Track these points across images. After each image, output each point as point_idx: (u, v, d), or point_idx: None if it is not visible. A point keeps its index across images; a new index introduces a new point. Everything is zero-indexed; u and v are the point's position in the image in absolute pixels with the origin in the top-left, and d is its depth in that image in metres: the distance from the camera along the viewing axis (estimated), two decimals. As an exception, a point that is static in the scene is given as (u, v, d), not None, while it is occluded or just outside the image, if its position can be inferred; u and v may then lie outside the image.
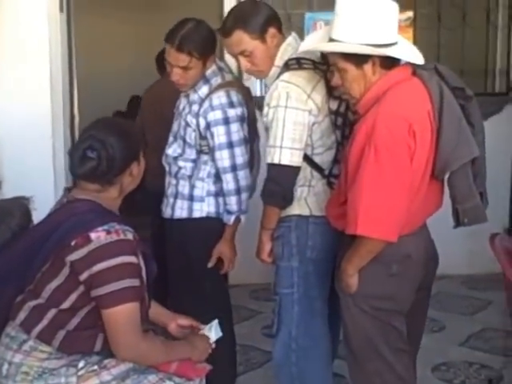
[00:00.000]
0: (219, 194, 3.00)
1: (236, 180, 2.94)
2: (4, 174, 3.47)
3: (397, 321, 2.46)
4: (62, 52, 4.02)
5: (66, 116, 4.10)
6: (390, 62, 2.38)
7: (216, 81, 2.98)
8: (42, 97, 3.52)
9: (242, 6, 2.98)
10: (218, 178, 3.00)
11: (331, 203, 2.57)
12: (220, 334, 2.41)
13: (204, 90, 2.98)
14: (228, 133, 2.92)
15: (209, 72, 2.98)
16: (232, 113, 2.93)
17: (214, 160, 2.97)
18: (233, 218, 2.98)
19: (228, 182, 2.95)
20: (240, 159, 2.95)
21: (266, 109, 2.67)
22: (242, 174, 2.95)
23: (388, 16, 2.37)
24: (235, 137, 2.93)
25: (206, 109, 2.93)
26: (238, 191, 2.95)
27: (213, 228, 3.01)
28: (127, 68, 6.10)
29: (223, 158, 2.94)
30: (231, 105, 2.93)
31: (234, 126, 2.93)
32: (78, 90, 4.67)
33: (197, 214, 3.02)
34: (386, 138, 2.27)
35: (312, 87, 2.64)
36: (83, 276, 2.03)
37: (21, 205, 2.24)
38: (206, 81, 2.98)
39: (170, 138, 3.12)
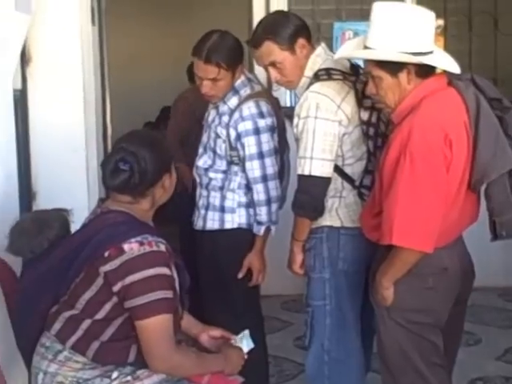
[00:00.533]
0: (250, 205, 3.00)
1: (266, 190, 2.94)
2: (38, 185, 3.50)
3: (432, 334, 2.43)
4: (94, 64, 4.05)
5: (99, 127, 4.13)
6: (425, 71, 2.36)
7: (245, 91, 2.99)
8: (75, 109, 3.54)
9: (272, 16, 2.99)
10: (248, 188, 3.00)
11: (365, 214, 2.55)
12: (252, 345, 2.40)
13: (233, 100, 2.99)
14: (258, 143, 2.92)
15: (238, 83, 2.99)
16: (262, 123, 2.93)
17: (244, 171, 2.98)
18: (263, 228, 2.97)
19: (258, 192, 2.95)
20: (270, 169, 2.95)
21: (296, 120, 2.67)
22: (273, 185, 2.95)
23: (424, 24, 2.36)
24: (265, 147, 2.93)
25: (237, 119, 2.94)
26: (269, 202, 2.95)
27: (244, 239, 3.01)
28: (158, 79, 6.13)
29: (254, 169, 2.94)
30: (261, 115, 2.93)
31: (265, 137, 2.93)
32: (110, 102, 4.73)
33: (228, 226, 3.02)
34: (422, 147, 2.25)
35: (342, 98, 2.63)
36: (116, 287, 2.04)
37: (60, 216, 2.26)
38: (236, 92, 2.99)
39: (200, 150, 3.13)
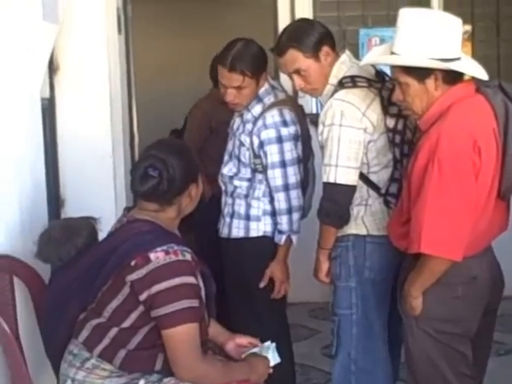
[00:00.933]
0: (276, 212, 3.00)
1: (288, 199, 2.94)
2: (66, 193, 3.53)
3: (462, 345, 2.40)
4: (120, 72, 4.08)
5: (126, 135, 4.16)
6: (452, 78, 2.34)
7: (269, 99, 2.99)
8: (102, 117, 3.57)
9: (296, 24, 2.99)
10: (273, 197, 2.99)
11: (393, 222, 2.53)
12: (278, 359, 2.38)
13: (257, 108, 2.99)
14: (281, 152, 2.92)
15: (261, 91, 2.99)
16: (285, 131, 2.92)
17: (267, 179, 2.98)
18: (284, 237, 2.96)
19: (280, 201, 2.95)
20: (292, 179, 2.94)
21: (320, 127, 2.66)
22: (294, 194, 2.95)
23: (451, 30, 2.34)
24: (288, 156, 2.93)
25: (260, 127, 2.94)
26: (290, 211, 2.94)
27: (270, 247, 3.00)
28: (184, 87, 6.16)
29: (276, 177, 2.94)
30: (284, 123, 2.93)
31: (288, 145, 2.93)
32: (136, 110, 4.75)
33: (253, 234, 3.02)
34: (450, 154, 2.23)
35: (367, 105, 2.61)
36: (143, 296, 2.05)
37: (88, 224, 2.29)
38: (259, 99, 2.99)
39: (225, 157, 3.13)
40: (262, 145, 2.94)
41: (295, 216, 2.95)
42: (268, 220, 3.00)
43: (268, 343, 2.39)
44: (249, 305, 3.05)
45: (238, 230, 3.04)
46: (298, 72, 2.73)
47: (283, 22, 4.58)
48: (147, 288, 2.04)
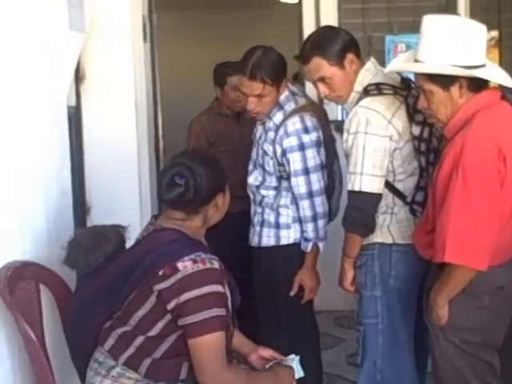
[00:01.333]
0: None
1: (312, 206, 2.93)
2: (92, 199, 3.56)
3: (488, 355, 2.37)
4: (146, 79, 4.11)
5: (151, 142, 4.18)
6: (477, 85, 2.32)
7: (290, 106, 2.98)
8: (127, 125, 3.60)
9: (320, 32, 2.98)
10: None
11: (418, 231, 2.51)
12: (302, 373, 2.36)
13: (278, 116, 2.98)
14: (304, 159, 2.92)
15: (282, 98, 2.99)
16: (307, 139, 2.92)
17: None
18: (310, 245, 2.96)
19: (304, 208, 2.94)
20: (316, 185, 2.94)
21: (345, 135, 2.65)
22: (319, 201, 2.94)
23: (476, 37, 2.32)
24: (311, 163, 2.93)
25: (282, 135, 2.94)
26: (315, 218, 2.94)
27: (301, 254, 3.00)
28: (207, 94, 6.15)
29: (299, 185, 2.93)
30: (306, 130, 2.93)
31: (310, 152, 2.92)
32: (161, 115, 4.78)
33: (284, 241, 3.02)
34: (475, 161, 2.21)
35: (392, 113, 2.60)
36: (171, 305, 2.05)
37: (117, 232, 2.30)
38: (280, 107, 2.99)
39: (250, 166, 3.14)
40: (284, 153, 2.94)
41: (321, 223, 2.95)
42: (298, 227, 3.00)
43: (292, 356, 2.37)
44: (280, 313, 3.05)
45: (268, 239, 3.04)
46: (322, 80, 2.73)
47: (308, 29, 4.58)
48: (175, 297, 2.04)
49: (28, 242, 2.53)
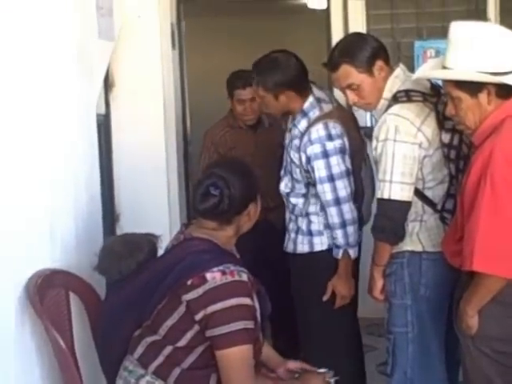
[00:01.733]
0: None
1: (340, 213, 2.93)
2: (121, 206, 3.59)
3: (520, 364, 2.34)
4: (174, 86, 4.14)
5: (180, 149, 4.21)
6: (506, 92, 2.29)
7: (314, 113, 2.99)
8: (156, 132, 3.64)
9: (348, 39, 2.97)
10: None
11: (447, 239, 2.48)
12: None
13: (303, 123, 2.99)
14: (328, 166, 2.92)
15: (306, 105, 3.00)
16: (331, 146, 2.92)
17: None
18: (340, 252, 2.95)
19: (332, 215, 2.94)
20: (343, 192, 2.93)
21: (374, 142, 2.63)
22: (347, 208, 2.93)
23: (504, 43, 2.29)
24: (336, 170, 2.92)
25: (306, 143, 2.95)
26: (344, 224, 2.93)
27: (335, 260, 3.00)
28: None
29: (325, 192, 2.93)
30: (330, 137, 2.93)
31: (334, 159, 2.92)
32: (190, 123, 4.79)
33: (318, 248, 3.03)
34: (504, 168, 2.18)
35: (422, 120, 2.57)
36: (198, 316, 2.05)
37: (149, 241, 2.31)
38: (304, 114, 3.00)
39: (282, 172, 3.15)
40: (309, 160, 2.95)
41: (350, 229, 2.94)
42: (331, 233, 3.00)
43: (324, 370, 2.34)
44: (313, 318, 3.06)
45: (302, 246, 3.06)
46: (351, 87, 2.71)
47: (336, 35, 4.57)
48: (203, 308, 2.03)
49: (58, 249, 2.56)
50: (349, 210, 2.93)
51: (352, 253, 2.96)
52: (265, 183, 3.31)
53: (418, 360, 2.67)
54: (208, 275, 2.05)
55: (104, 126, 3.46)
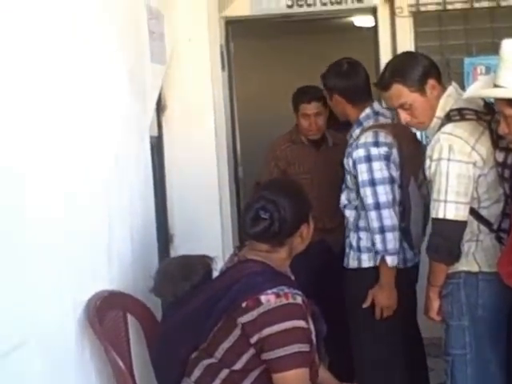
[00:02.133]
0: None
1: (379, 218, 2.93)
2: (175, 226, 3.63)
3: None
4: (224, 107, 4.18)
5: (231, 169, 4.24)
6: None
7: (368, 123, 3.05)
8: (208, 153, 3.68)
9: (400, 58, 2.97)
10: None
11: (502, 260, 2.45)
12: None
13: (357, 132, 3.08)
14: (370, 170, 2.95)
15: (362, 115, 3.08)
16: (375, 151, 2.96)
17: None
18: (378, 258, 2.96)
19: (372, 219, 2.95)
20: (383, 197, 2.94)
21: (428, 162, 2.62)
22: (386, 213, 2.94)
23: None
24: (377, 175, 2.95)
25: (354, 148, 3.02)
26: (382, 230, 2.94)
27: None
28: (284, 119, 6.19)
29: (366, 195, 2.96)
30: (376, 144, 2.97)
31: (377, 164, 2.95)
32: (240, 141, 4.83)
33: (365, 264, 3.04)
34: None
35: (476, 138, 2.55)
36: (254, 339, 2.05)
37: (204, 263, 2.32)
38: (360, 124, 3.08)
39: (343, 185, 3.20)
40: (354, 164, 3.00)
41: (389, 236, 2.94)
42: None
43: None
44: (370, 337, 3.06)
45: (353, 261, 3.08)
46: (403, 106, 2.70)
47: (384, 53, 4.58)
48: (258, 331, 2.04)
49: (115, 270, 2.60)
50: (388, 216, 2.94)
51: (389, 260, 2.95)
52: (322, 203, 3.35)
53: (477, 382, 2.63)
54: (262, 298, 2.05)
55: (157, 147, 3.51)
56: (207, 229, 3.59)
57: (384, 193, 2.94)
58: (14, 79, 1.93)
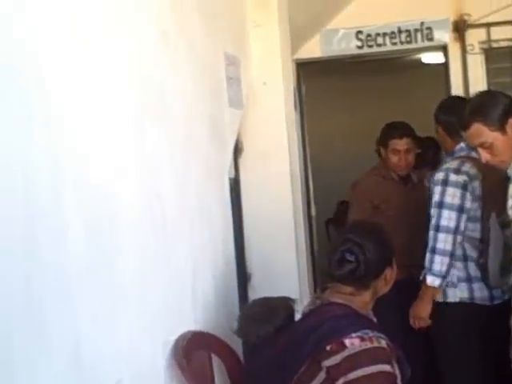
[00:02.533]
0: (471, 278, 3.01)
1: (434, 239, 2.98)
2: (252, 266, 3.68)
3: None
4: (298, 148, 4.24)
5: (305, 207, 4.28)
6: None
7: (459, 154, 3.11)
8: (283, 193, 3.72)
9: (479, 97, 2.96)
10: (466, 259, 3.02)
11: None
12: None
13: (447, 161, 3.15)
14: (442, 193, 2.99)
15: (457, 147, 3.14)
16: (453, 177, 2.99)
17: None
18: (422, 274, 3.00)
19: (429, 238, 3.00)
20: (445, 221, 2.96)
21: (510, 201, 2.60)
22: (442, 237, 2.97)
23: None
24: (448, 199, 2.97)
25: (437, 171, 3.08)
26: (433, 250, 2.98)
27: (467, 313, 3.00)
28: (357, 156, 6.23)
29: (432, 216, 3.01)
30: (457, 171, 3.00)
31: (450, 190, 2.98)
32: (312, 180, 4.88)
33: (450, 299, 3.05)
34: None
35: None
36: (339, 382, 2.03)
37: (287, 305, 2.34)
38: (452, 153, 3.15)
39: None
40: (432, 186, 3.06)
41: (437, 258, 2.97)
42: (464, 286, 3.02)
43: None
44: (458, 372, 3.07)
45: (440, 296, 3.09)
46: (483, 145, 2.70)
47: (456, 90, 4.58)
48: (343, 375, 2.02)
49: (199, 309, 2.68)
50: (443, 240, 2.97)
51: (429, 279, 2.97)
52: (411, 240, 3.35)
53: None
54: (347, 341, 2.04)
55: (234, 189, 3.59)
56: (284, 269, 3.62)
57: (447, 218, 2.96)
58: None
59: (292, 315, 2.31)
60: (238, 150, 3.66)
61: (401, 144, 3.80)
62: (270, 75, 3.78)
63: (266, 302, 2.41)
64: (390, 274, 2.24)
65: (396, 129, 3.87)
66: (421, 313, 3.07)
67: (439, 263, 2.96)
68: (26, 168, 1.62)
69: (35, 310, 1.63)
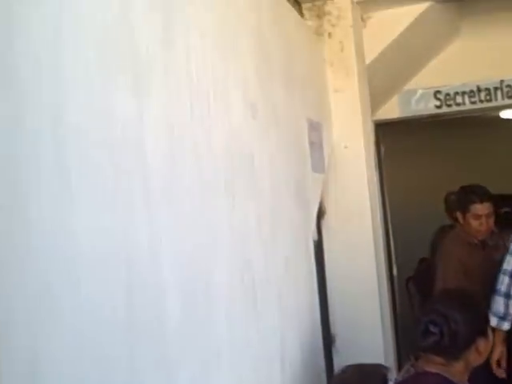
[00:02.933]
0: None
1: (500, 281, 3.20)
2: (336, 328, 3.68)
3: None
4: (378, 207, 4.26)
5: (386, 266, 4.26)
6: None
7: None
8: (367, 256, 3.74)
9: None
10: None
11: None
12: None
13: None
14: None
15: None
16: None
17: None
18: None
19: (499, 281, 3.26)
20: None
21: None
22: (507, 280, 3.19)
23: None
24: None
25: None
26: (495, 291, 3.21)
27: None
28: (432, 214, 6.17)
29: (506, 261, 3.24)
30: None
31: None
32: (393, 240, 4.86)
33: None
34: None
35: None
36: None
37: (380, 373, 2.35)
38: None
39: None
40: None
41: (497, 299, 3.19)
42: None
43: None
44: None
45: None
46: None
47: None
48: None
49: (287, 377, 2.69)
50: (507, 282, 3.20)
51: (492, 321, 3.02)
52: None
53: None
54: None
55: (317, 251, 3.63)
56: (368, 333, 3.61)
57: None
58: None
59: (385, 382, 2.31)
60: (320, 213, 3.71)
61: (482, 209, 3.77)
62: (350, 139, 3.84)
63: (359, 368, 2.42)
64: (484, 345, 2.20)
65: (475, 193, 3.83)
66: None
67: (495, 304, 3.24)
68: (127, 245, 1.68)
69: (137, 378, 1.68)
